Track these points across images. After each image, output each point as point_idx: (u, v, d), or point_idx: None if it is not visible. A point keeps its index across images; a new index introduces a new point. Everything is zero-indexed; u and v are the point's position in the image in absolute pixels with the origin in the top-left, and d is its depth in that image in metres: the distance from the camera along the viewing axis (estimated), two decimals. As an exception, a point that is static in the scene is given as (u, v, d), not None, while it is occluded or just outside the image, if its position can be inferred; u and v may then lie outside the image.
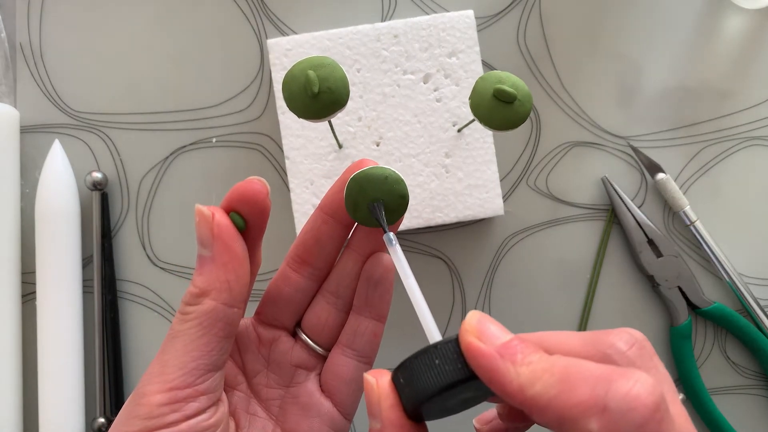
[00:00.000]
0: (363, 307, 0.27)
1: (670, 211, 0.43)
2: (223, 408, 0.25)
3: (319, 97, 0.28)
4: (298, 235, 0.27)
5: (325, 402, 0.27)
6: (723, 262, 0.41)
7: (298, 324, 0.28)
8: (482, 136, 0.39)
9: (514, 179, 0.43)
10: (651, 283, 0.42)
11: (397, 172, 0.26)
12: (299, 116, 0.29)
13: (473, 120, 0.34)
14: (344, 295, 0.28)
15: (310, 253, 0.27)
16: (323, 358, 0.28)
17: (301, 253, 0.27)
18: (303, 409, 0.27)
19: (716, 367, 0.42)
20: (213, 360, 0.23)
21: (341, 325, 0.28)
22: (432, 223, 0.39)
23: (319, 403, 0.27)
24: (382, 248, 0.27)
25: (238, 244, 0.24)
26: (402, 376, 0.21)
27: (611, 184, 0.42)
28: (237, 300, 0.24)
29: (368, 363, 0.28)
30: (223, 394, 0.25)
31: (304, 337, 0.28)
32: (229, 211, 0.24)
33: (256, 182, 0.24)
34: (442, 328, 0.41)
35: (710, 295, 0.42)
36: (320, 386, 0.28)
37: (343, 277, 0.28)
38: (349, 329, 0.28)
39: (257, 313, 0.28)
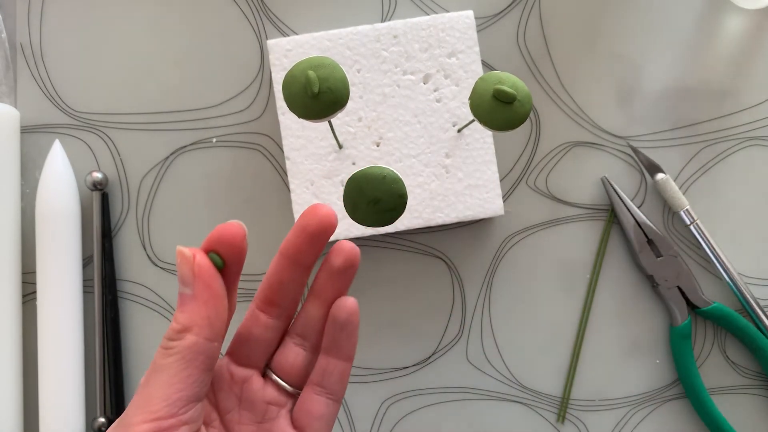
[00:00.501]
0: (331, 349, 0.29)
1: (669, 211, 0.43)
2: None
3: (320, 97, 0.28)
4: (263, 278, 0.29)
5: None
6: (723, 262, 0.41)
7: (269, 363, 0.30)
8: (482, 136, 0.39)
9: (514, 179, 0.43)
10: (651, 283, 0.42)
11: (395, 171, 0.26)
12: (299, 116, 0.29)
13: (473, 120, 0.34)
14: (311, 338, 0.29)
15: (276, 295, 0.28)
16: (294, 395, 0.30)
17: (268, 295, 0.29)
18: None
19: (716, 367, 0.42)
20: (195, 391, 0.25)
21: (309, 365, 0.30)
22: (432, 223, 0.39)
23: None
24: (344, 292, 0.29)
25: (217, 283, 0.25)
26: None
27: (611, 184, 0.42)
28: (217, 335, 0.25)
29: (337, 401, 0.29)
30: (203, 426, 0.27)
31: (274, 377, 0.29)
32: (209, 251, 0.25)
33: (235, 225, 0.26)
34: (442, 328, 0.41)
35: (710, 295, 0.42)
36: (291, 421, 0.29)
37: (308, 320, 0.29)
38: (318, 369, 0.29)
39: (229, 354, 0.29)
